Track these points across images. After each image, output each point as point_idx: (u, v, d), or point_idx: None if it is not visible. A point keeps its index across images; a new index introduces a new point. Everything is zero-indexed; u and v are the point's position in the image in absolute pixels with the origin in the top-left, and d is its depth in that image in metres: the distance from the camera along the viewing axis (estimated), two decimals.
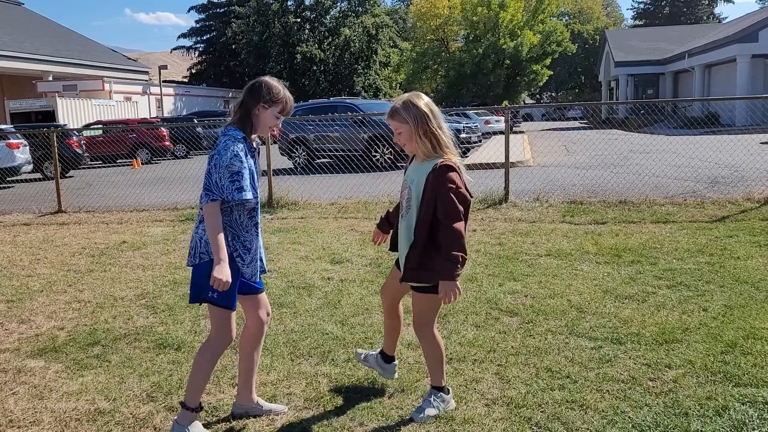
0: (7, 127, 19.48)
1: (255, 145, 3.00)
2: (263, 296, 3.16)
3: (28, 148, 16.91)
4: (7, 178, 16.57)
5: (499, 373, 3.53)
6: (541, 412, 3.08)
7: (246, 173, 2.82)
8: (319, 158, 16.70)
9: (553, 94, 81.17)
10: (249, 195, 2.83)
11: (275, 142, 17.11)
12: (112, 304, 5.15)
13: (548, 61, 48.63)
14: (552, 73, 52.17)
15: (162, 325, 4.57)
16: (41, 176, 18.27)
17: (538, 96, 77.56)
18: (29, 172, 17.40)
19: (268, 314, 3.20)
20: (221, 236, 2.76)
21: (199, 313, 4.77)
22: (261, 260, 3.08)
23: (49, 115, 27.89)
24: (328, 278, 5.66)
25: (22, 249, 7.62)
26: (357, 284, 5.42)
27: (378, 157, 15.95)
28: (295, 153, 17.02)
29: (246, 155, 2.84)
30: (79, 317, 4.83)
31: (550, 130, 37.01)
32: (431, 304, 3.04)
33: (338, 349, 3.99)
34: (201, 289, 2.87)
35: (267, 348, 4.04)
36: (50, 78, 33.21)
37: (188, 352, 4.00)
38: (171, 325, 4.56)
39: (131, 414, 3.24)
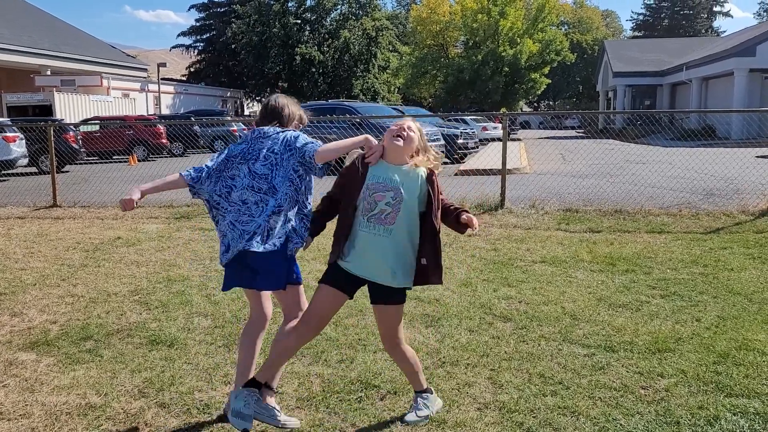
0: (4, 120, 19.42)
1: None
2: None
3: (24, 141, 16.85)
4: (3, 172, 16.51)
5: (491, 378, 3.53)
6: (533, 417, 3.08)
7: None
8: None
9: (550, 102, 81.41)
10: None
11: None
12: (106, 299, 5.13)
13: (547, 70, 48.84)
14: (550, 81, 52.38)
15: (155, 321, 4.56)
16: (37, 170, 18.20)
17: (535, 104, 77.77)
18: (25, 166, 17.33)
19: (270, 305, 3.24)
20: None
21: (192, 310, 4.76)
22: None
23: (47, 110, 27.84)
24: None
25: (16, 242, 7.59)
26: None
27: None
28: None
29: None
30: (72, 311, 4.82)
31: (547, 138, 37.11)
32: (401, 315, 3.04)
33: (331, 349, 3.98)
34: (281, 275, 2.94)
35: (262, 348, 4.03)
36: (48, 72, 33.16)
37: (181, 349, 3.99)
38: (164, 321, 4.54)
39: (122, 409, 3.23)
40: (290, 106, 3.23)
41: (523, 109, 60.66)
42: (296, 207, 3.05)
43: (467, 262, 6.21)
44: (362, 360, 3.80)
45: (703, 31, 75.81)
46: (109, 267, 6.24)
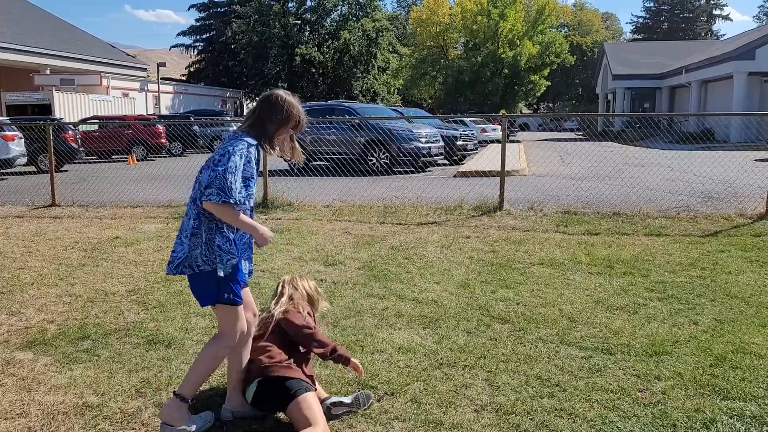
0: (3, 119, 19.40)
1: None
2: (250, 297, 3.22)
3: (23, 140, 16.84)
4: (1, 170, 16.50)
5: (488, 380, 3.53)
6: (530, 419, 3.08)
7: (241, 175, 2.86)
8: (315, 161, 16.70)
9: (550, 104, 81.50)
10: (237, 197, 2.84)
11: None
12: (104, 299, 5.13)
13: (546, 72, 48.92)
14: (550, 83, 52.45)
15: (153, 321, 4.56)
16: (35, 169, 18.20)
17: (535, 106, 77.85)
18: (23, 165, 17.32)
19: (254, 314, 3.21)
20: (244, 216, 2.89)
21: (191, 310, 4.76)
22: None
23: (46, 109, 27.82)
24: (321, 280, 5.65)
25: (14, 241, 7.58)
26: (349, 287, 5.42)
27: (374, 161, 15.98)
28: None
29: (252, 162, 2.92)
30: (70, 311, 4.81)
31: (546, 140, 37.15)
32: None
33: None
34: (209, 294, 2.93)
35: None
36: (48, 71, 33.14)
37: (178, 349, 3.99)
38: (162, 321, 4.54)
39: (119, 409, 3.23)
40: (264, 108, 3.01)
41: (523, 111, 60.73)
42: (213, 224, 2.89)
43: (465, 263, 6.21)
44: (360, 361, 3.78)
45: (703, 34, 75.95)
46: (107, 267, 6.24)
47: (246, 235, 3.05)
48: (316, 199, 10.36)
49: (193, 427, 2.95)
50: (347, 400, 3.15)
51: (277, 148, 3.06)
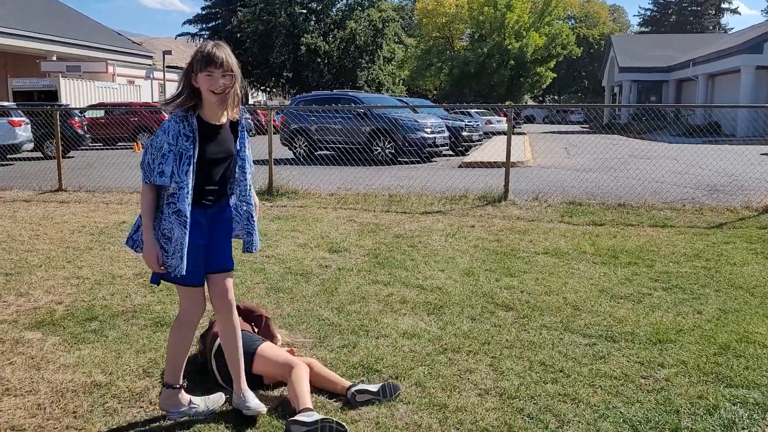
0: (10, 104, 19.44)
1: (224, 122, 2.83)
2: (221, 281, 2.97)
3: (29, 126, 16.87)
4: (8, 156, 16.55)
5: (492, 365, 3.56)
6: (534, 403, 3.11)
7: (169, 158, 2.66)
8: (320, 149, 16.71)
9: (555, 97, 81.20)
10: (164, 181, 2.67)
11: (277, 132, 17.11)
12: (111, 281, 5.17)
13: (552, 64, 48.69)
14: (556, 75, 52.20)
15: (159, 304, 4.60)
16: (42, 155, 18.25)
17: (540, 98, 77.59)
18: (30, 151, 17.37)
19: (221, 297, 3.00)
20: (146, 217, 2.74)
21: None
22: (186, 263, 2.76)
23: (52, 95, 27.85)
24: (326, 266, 5.69)
25: (22, 224, 7.63)
26: (354, 273, 5.44)
27: (379, 150, 15.98)
28: (296, 143, 17.02)
29: (179, 137, 2.68)
30: (78, 293, 4.85)
31: (551, 132, 37.04)
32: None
33: (334, 335, 4.01)
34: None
35: None
36: (54, 58, 33.13)
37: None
38: (168, 304, 4.58)
39: (127, 388, 3.26)
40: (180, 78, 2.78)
41: (528, 103, 60.53)
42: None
43: (470, 252, 6.23)
44: (364, 345, 3.83)
45: (711, 27, 75.46)
46: (114, 250, 6.28)
47: (232, 207, 2.97)
48: (321, 187, 10.38)
49: (199, 406, 2.98)
50: (373, 388, 3.12)
51: (213, 101, 2.71)
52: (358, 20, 49.62)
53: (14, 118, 16.30)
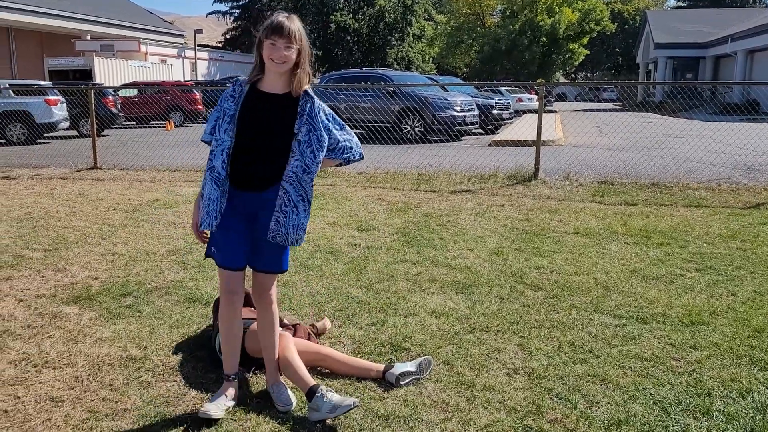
0: (46, 83, 19.79)
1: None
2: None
3: (65, 105, 17.18)
4: (45, 134, 16.89)
5: (521, 345, 3.55)
6: (562, 383, 3.10)
7: (213, 116, 2.77)
8: (349, 128, 16.67)
9: (588, 74, 79.67)
10: (206, 137, 2.78)
11: None
12: (145, 258, 5.27)
13: (585, 40, 47.74)
14: (589, 52, 51.22)
15: (192, 280, 4.68)
16: (77, 133, 18.58)
17: (573, 75, 76.20)
18: (66, 129, 17.70)
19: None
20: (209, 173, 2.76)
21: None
22: (216, 217, 2.73)
23: (86, 74, 28.26)
24: (355, 244, 5.71)
25: (59, 201, 7.80)
26: (383, 252, 5.46)
27: (408, 129, 15.91)
28: None
29: (226, 99, 2.75)
30: (113, 269, 4.96)
31: (583, 110, 36.44)
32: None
33: (363, 312, 4.04)
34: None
35: (293, 308, 4.13)
36: (88, 37, 33.56)
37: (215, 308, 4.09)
38: (200, 281, 4.66)
39: (161, 362, 3.34)
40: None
41: (560, 81, 59.52)
42: None
43: (499, 231, 6.20)
44: (393, 323, 3.85)
45: (751, 1, 72.96)
46: (147, 227, 6.39)
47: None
48: (350, 165, 10.36)
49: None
50: (412, 368, 3.11)
51: (272, 70, 2.68)
52: None
53: (50, 97, 16.60)
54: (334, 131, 2.85)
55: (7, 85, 16.98)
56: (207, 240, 2.88)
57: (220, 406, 2.80)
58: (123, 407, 2.89)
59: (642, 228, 6.27)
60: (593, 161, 11.22)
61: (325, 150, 2.79)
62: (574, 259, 5.21)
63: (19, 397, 2.98)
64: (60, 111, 16.95)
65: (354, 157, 2.92)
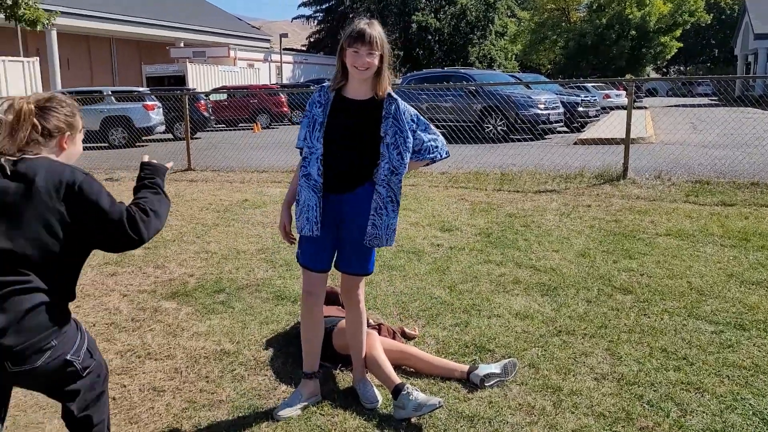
0: (144, 89, 20.92)
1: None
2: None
3: (161, 110, 18.12)
4: (143, 137, 17.87)
5: (609, 349, 3.47)
6: (654, 390, 3.01)
7: (304, 122, 2.83)
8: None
9: (681, 68, 76.07)
10: (300, 144, 2.84)
11: None
12: (236, 256, 5.50)
13: (678, 33, 45.60)
14: (682, 45, 48.88)
15: (280, 278, 4.84)
16: (172, 137, 19.54)
17: (664, 70, 72.97)
18: (161, 133, 18.66)
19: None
20: (296, 177, 2.89)
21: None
22: (317, 222, 2.77)
23: (180, 80, 29.61)
24: (438, 245, 5.73)
25: None
26: (466, 252, 5.45)
27: (490, 128, 15.75)
28: None
29: (314, 105, 2.80)
30: (207, 266, 5.21)
31: (675, 106, 34.83)
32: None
33: (446, 313, 4.06)
34: None
35: (377, 307, 4.20)
36: (182, 45, 35.22)
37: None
38: (288, 279, 4.81)
39: (253, 357, 3.49)
40: None
41: (650, 75, 57.12)
42: None
43: (586, 232, 6.05)
44: (476, 324, 3.85)
45: None
46: (237, 227, 6.66)
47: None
48: (432, 165, 10.37)
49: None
50: (497, 369, 3.11)
51: (355, 77, 2.72)
52: None
53: (148, 102, 17.56)
54: (419, 132, 2.87)
55: (110, 92, 18.09)
56: (293, 241, 2.98)
57: (295, 407, 2.90)
58: (218, 398, 3.04)
59: (741, 230, 5.95)
60: (687, 159, 10.72)
61: (410, 151, 2.82)
62: (667, 262, 5.02)
63: (125, 386, 3.19)
64: (157, 116, 17.90)
65: (440, 156, 2.93)
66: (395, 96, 2.81)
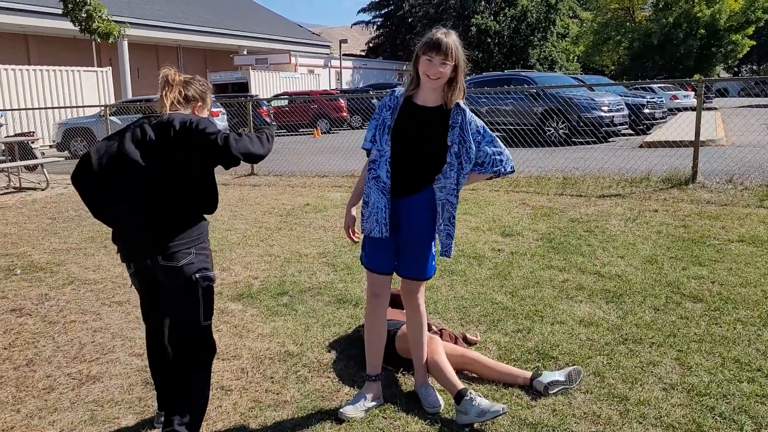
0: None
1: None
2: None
3: (225, 116, 18.63)
4: None
5: (679, 359, 3.37)
6: (726, 402, 2.91)
7: (372, 124, 2.87)
8: (491, 131, 16.53)
9: (754, 67, 72.82)
10: (367, 145, 2.88)
11: None
12: (298, 259, 5.61)
13: (751, 30, 43.61)
14: (754, 43, 46.73)
15: (341, 282, 4.90)
16: None
17: (735, 69, 69.98)
18: None
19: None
20: (361, 178, 2.97)
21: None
22: (386, 224, 2.81)
23: (243, 86, 30.36)
24: (498, 250, 5.69)
25: (222, 206, 8.47)
26: (528, 258, 5.39)
27: (551, 131, 15.49)
28: None
29: (384, 109, 2.85)
30: (270, 269, 5.33)
31: (748, 107, 33.39)
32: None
33: (508, 318, 4.03)
34: None
35: (438, 312, 4.20)
36: (245, 52, 36.10)
37: (364, 309, 4.27)
38: (349, 282, 4.87)
39: (315, 359, 3.55)
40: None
41: (721, 75, 54.95)
42: None
43: (652, 238, 5.88)
44: (539, 331, 3.80)
45: None
46: (300, 231, 6.78)
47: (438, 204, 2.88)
48: None
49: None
50: (561, 377, 3.07)
51: (426, 86, 2.77)
52: None
53: (213, 109, 18.07)
54: (484, 145, 2.86)
55: None
56: (357, 241, 3.03)
57: (359, 407, 2.93)
58: (283, 399, 3.11)
59: None
60: (761, 162, 10.27)
61: (473, 162, 2.82)
62: (739, 270, 4.83)
63: None
64: (221, 122, 18.40)
65: (505, 170, 2.90)
66: (463, 106, 2.82)
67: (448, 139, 2.78)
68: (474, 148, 2.81)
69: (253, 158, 2.55)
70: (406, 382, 3.25)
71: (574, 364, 3.31)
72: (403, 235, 2.89)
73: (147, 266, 2.60)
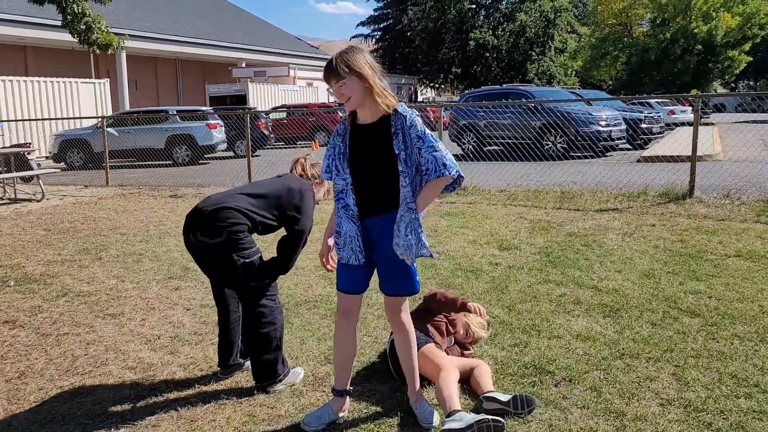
0: (207, 109, 21.60)
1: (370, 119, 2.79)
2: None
3: (223, 128, 18.65)
4: (206, 155, 18.42)
5: (676, 374, 3.35)
6: (723, 419, 2.89)
7: (327, 154, 2.88)
8: (488, 145, 16.60)
9: (750, 82, 73.26)
10: (324, 176, 2.91)
11: (446, 129, 17.28)
12: (294, 272, 5.58)
13: (747, 47, 43.95)
14: (751, 59, 47.06)
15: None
16: (233, 154, 20.06)
17: (732, 85, 70.39)
18: (223, 150, 19.18)
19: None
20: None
21: (371, 287, 5.00)
22: (360, 251, 2.81)
23: (241, 99, 30.46)
24: (496, 263, 5.67)
25: None
26: (525, 272, 5.38)
27: (549, 145, 15.54)
28: (464, 139, 17.08)
29: (336, 137, 2.88)
30: None
31: (745, 122, 33.54)
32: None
33: (505, 333, 4.01)
34: None
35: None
36: (243, 65, 36.22)
37: (360, 322, 4.24)
38: None
39: (311, 373, 3.52)
40: None
41: (718, 91, 55.27)
42: None
43: (650, 252, 5.88)
44: (536, 345, 3.78)
45: None
46: None
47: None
48: (490, 183, 10.32)
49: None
50: (503, 398, 2.98)
51: (347, 108, 2.82)
52: (529, 12, 48.43)
53: (211, 121, 18.11)
54: (424, 151, 2.74)
55: (174, 111, 18.76)
56: (332, 269, 3.07)
57: (322, 419, 2.92)
58: (278, 413, 3.08)
59: None
60: (758, 177, 10.30)
61: (415, 167, 2.77)
62: (737, 285, 4.82)
63: (187, 398, 3.27)
64: (219, 134, 18.44)
65: (449, 172, 2.76)
66: (402, 111, 2.76)
67: (395, 148, 2.72)
68: (415, 155, 2.75)
69: (287, 259, 3.61)
70: (405, 397, 3.22)
71: (570, 380, 3.29)
72: (377, 254, 2.87)
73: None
